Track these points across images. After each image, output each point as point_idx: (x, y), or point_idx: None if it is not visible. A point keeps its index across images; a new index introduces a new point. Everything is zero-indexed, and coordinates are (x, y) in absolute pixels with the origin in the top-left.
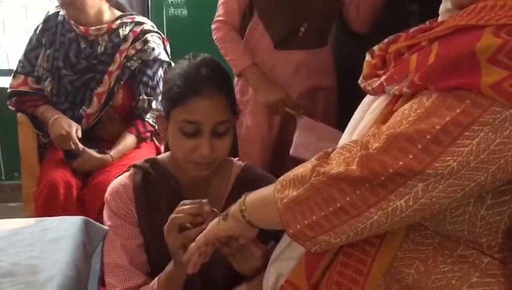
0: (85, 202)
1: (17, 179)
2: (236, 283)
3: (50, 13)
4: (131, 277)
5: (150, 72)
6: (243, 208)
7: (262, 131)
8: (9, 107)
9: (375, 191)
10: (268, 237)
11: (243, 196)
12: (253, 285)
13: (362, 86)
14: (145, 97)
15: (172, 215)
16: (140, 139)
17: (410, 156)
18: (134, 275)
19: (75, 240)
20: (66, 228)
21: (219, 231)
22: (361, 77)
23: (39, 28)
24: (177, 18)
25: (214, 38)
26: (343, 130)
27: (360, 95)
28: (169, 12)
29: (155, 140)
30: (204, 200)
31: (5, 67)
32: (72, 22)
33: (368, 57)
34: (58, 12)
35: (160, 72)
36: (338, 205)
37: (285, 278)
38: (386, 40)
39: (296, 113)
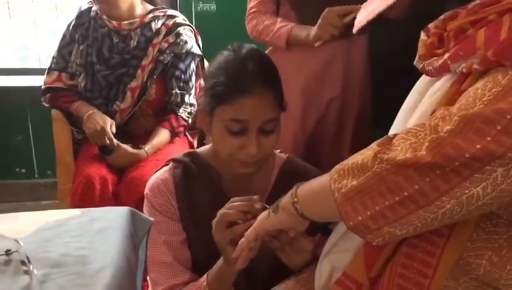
0: (120, 197)
1: (50, 177)
2: (280, 276)
3: (82, 9)
4: (177, 273)
5: (182, 65)
6: (295, 200)
7: (294, 129)
8: (44, 103)
9: (447, 178)
10: (316, 229)
11: (294, 187)
12: (301, 278)
13: (419, 66)
14: (178, 91)
15: (222, 211)
16: (174, 134)
17: (488, 139)
18: (180, 271)
19: (122, 230)
20: (113, 218)
21: (269, 224)
22: (417, 57)
23: (72, 24)
24: (206, 13)
25: (249, 30)
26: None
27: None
28: (198, 7)
29: (188, 135)
30: (255, 197)
31: (37, 66)
32: (104, 17)
33: (423, 35)
34: (91, 7)
35: (193, 65)
36: (405, 193)
37: (341, 272)
38: (441, 17)
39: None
